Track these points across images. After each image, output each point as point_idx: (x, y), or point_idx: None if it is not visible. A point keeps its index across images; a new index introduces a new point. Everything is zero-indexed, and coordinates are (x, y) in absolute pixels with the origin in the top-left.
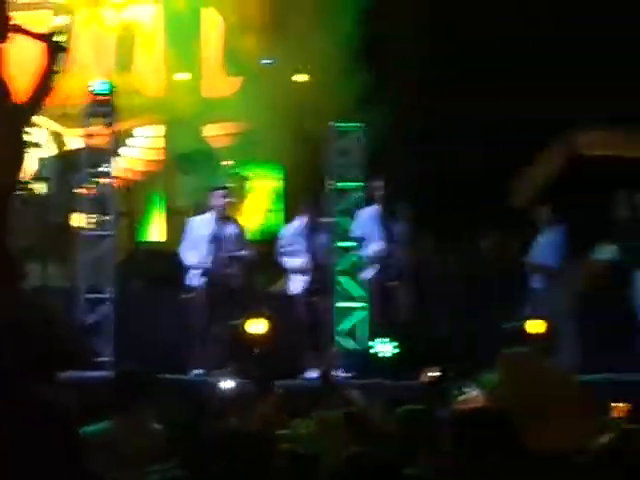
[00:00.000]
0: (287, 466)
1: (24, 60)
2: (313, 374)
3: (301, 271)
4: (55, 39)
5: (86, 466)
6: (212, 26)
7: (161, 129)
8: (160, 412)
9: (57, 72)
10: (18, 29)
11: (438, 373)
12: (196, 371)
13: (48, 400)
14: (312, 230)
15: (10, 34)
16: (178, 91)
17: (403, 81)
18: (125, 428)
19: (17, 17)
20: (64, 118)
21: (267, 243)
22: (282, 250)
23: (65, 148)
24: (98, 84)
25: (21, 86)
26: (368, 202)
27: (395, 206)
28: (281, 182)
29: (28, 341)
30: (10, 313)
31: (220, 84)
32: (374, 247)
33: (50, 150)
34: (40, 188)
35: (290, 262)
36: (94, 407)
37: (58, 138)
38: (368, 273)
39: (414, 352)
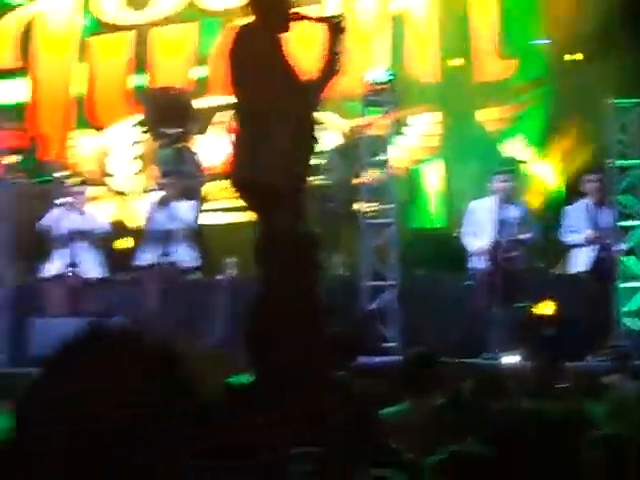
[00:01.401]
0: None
1: (307, 44)
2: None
3: (584, 251)
4: (335, 20)
5: (387, 444)
6: (484, 9)
7: (437, 116)
8: (450, 393)
9: (340, 53)
10: (298, 17)
11: None
12: (485, 354)
13: (347, 385)
14: (595, 209)
15: (292, 23)
16: (451, 77)
17: None
18: (419, 409)
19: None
20: (341, 108)
21: (550, 224)
22: (565, 230)
23: (344, 139)
24: (377, 73)
25: (307, 69)
26: None
27: None
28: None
29: (321, 330)
30: (317, 301)
31: (494, 67)
32: None
33: (329, 141)
34: (323, 179)
35: (573, 242)
36: (386, 391)
37: (337, 129)
38: None
39: None
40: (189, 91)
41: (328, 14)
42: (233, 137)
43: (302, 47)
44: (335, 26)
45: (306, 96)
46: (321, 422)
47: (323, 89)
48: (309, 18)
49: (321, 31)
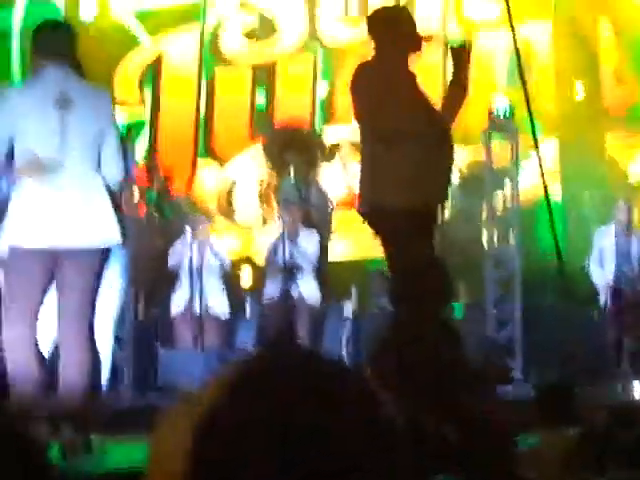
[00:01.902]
0: None
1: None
2: None
3: None
4: (457, 46)
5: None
6: (608, 35)
7: (560, 144)
8: (583, 425)
9: (467, 81)
10: (425, 40)
11: None
12: (616, 384)
13: (483, 416)
14: None
15: (417, 50)
16: (575, 105)
17: None
18: (553, 441)
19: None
20: (463, 138)
21: None
22: None
23: (467, 169)
24: (500, 102)
25: (434, 93)
26: None
27: None
28: None
29: (452, 359)
30: (447, 330)
31: (619, 93)
32: None
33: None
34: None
35: None
36: (517, 422)
37: (459, 159)
38: None
39: None
40: (312, 121)
41: (452, 42)
42: (360, 166)
43: (424, 73)
44: (461, 53)
45: (438, 123)
46: (457, 453)
47: (454, 117)
48: (428, 39)
49: (445, 58)
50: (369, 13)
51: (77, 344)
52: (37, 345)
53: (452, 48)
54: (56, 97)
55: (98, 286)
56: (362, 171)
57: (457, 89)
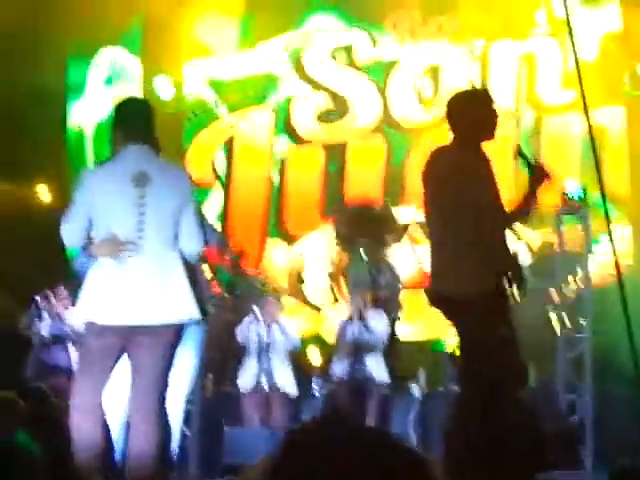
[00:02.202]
0: None
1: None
2: None
3: None
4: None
5: None
6: None
7: (631, 229)
8: None
9: (539, 199)
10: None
11: None
12: None
13: None
14: None
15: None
16: None
17: None
18: None
19: None
20: (534, 221)
21: None
22: None
23: (538, 251)
24: (572, 186)
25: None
26: None
27: None
28: None
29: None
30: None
31: None
32: None
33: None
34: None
35: None
36: None
37: (529, 241)
38: None
39: None
40: (382, 203)
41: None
42: (430, 249)
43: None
44: (541, 173)
45: (503, 219)
46: None
47: (516, 221)
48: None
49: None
50: (446, 96)
51: (147, 417)
52: (102, 415)
53: (534, 165)
54: (134, 175)
55: (171, 362)
56: (432, 253)
57: (528, 204)
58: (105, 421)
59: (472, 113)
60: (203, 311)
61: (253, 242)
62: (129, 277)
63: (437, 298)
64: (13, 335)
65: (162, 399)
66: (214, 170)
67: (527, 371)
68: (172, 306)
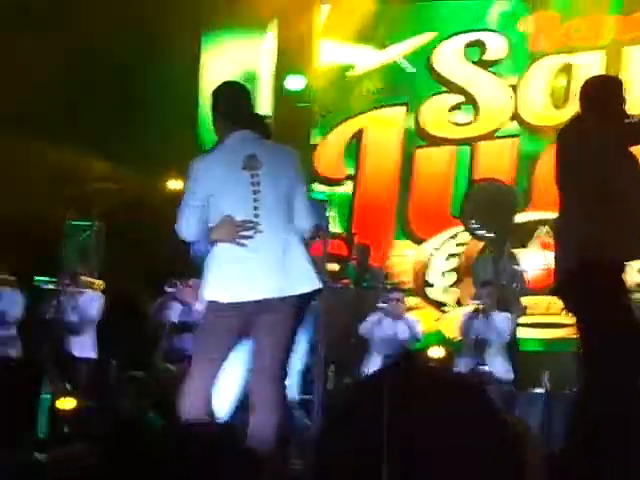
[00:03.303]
0: None
1: None
2: None
3: None
4: None
5: None
6: None
7: None
8: None
9: None
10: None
11: None
12: None
13: None
14: None
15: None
16: None
17: None
18: None
19: None
20: None
21: None
22: None
23: None
24: None
25: None
26: None
27: None
28: None
29: None
30: None
31: None
32: None
33: None
34: None
35: None
36: None
37: None
38: None
39: None
40: (513, 189)
41: None
42: (557, 234)
43: None
44: None
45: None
46: None
47: None
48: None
49: None
50: (580, 89)
51: (272, 405)
52: (209, 401)
53: None
54: (244, 159)
55: (292, 343)
56: (561, 237)
57: None
58: (211, 408)
59: (605, 96)
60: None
61: (380, 237)
62: (249, 256)
63: (563, 284)
64: (145, 321)
65: (283, 386)
66: (344, 165)
67: None
68: (295, 278)
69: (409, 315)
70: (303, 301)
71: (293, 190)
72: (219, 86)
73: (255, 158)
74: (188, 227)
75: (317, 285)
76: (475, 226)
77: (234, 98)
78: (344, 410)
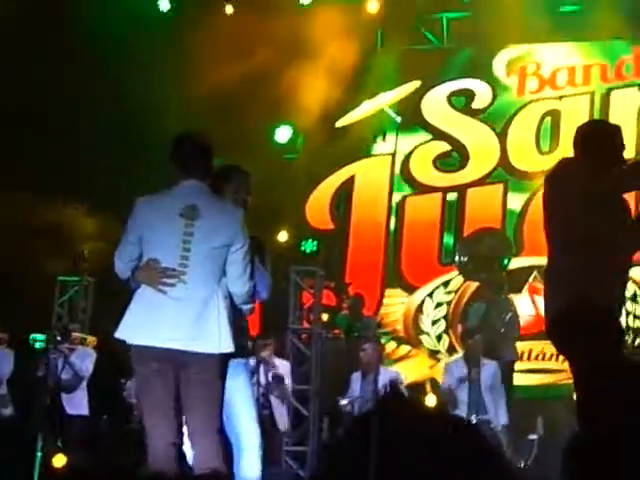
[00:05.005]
0: None
1: None
2: None
3: None
4: None
5: None
6: None
7: None
8: None
9: None
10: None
11: None
12: None
13: None
14: None
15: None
16: None
17: None
18: None
19: None
20: None
21: None
22: None
23: None
24: None
25: None
26: None
27: None
28: None
29: None
30: None
31: None
32: None
33: None
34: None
35: None
36: None
37: None
38: None
39: None
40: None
41: None
42: (547, 278)
43: None
44: None
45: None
46: None
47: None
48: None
49: None
50: (566, 140)
51: (209, 447)
52: (173, 436)
53: None
54: (184, 208)
55: (220, 394)
56: (550, 281)
57: None
58: (176, 442)
59: (608, 139)
60: (243, 350)
61: (371, 286)
62: (167, 303)
63: (555, 326)
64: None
65: (219, 430)
66: (331, 216)
67: None
68: (203, 336)
69: (399, 365)
70: (221, 359)
71: (228, 249)
72: (180, 136)
73: (195, 209)
74: (119, 263)
75: (221, 350)
76: (470, 269)
77: (191, 150)
78: (333, 459)
